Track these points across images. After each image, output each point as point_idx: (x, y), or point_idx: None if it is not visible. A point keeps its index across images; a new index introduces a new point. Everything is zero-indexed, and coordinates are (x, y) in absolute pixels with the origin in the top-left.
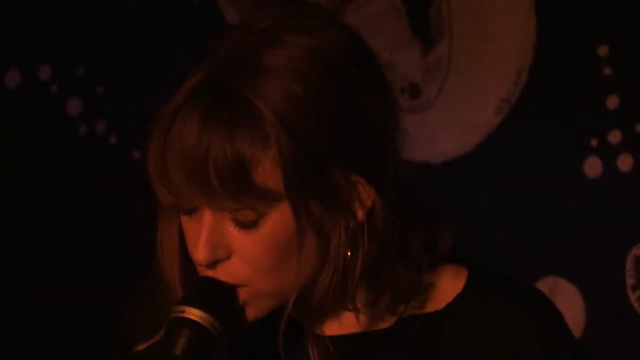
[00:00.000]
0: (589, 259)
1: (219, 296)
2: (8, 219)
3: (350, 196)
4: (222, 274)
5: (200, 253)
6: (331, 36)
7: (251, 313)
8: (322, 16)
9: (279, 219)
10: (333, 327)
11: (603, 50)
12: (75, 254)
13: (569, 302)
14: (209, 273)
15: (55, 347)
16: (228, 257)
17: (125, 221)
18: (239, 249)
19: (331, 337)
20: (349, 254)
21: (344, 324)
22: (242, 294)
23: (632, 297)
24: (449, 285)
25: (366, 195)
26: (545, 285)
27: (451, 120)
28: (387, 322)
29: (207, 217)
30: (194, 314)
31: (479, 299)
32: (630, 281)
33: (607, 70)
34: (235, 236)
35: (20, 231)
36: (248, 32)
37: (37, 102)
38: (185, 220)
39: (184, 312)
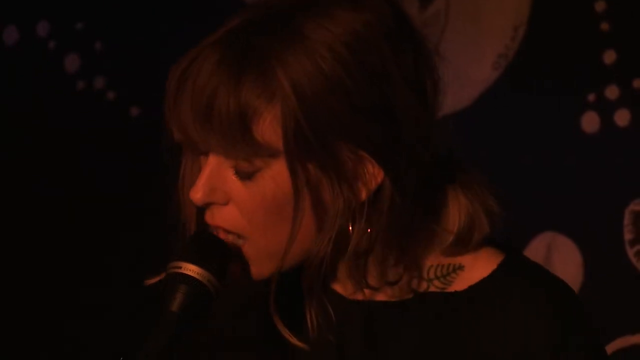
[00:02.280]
0: (587, 215)
1: (217, 252)
2: (6, 174)
3: (356, 173)
4: (219, 219)
5: (197, 192)
6: (378, 17)
7: (254, 271)
8: None
9: (272, 177)
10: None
11: (600, 6)
12: (74, 209)
13: (567, 257)
14: (207, 216)
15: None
16: (225, 203)
17: (122, 176)
18: (236, 197)
19: (335, 298)
20: (350, 229)
21: (355, 292)
22: (243, 249)
23: (630, 252)
24: (478, 269)
25: (373, 176)
26: (543, 240)
27: (449, 75)
28: (405, 296)
29: (211, 160)
30: (190, 269)
31: (503, 284)
32: (628, 236)
33: (605, 26)
34: (234, 184)
35: (18, 187)
36: None
37: (35, 59)
38: (203, 160)
39: (180, 267)
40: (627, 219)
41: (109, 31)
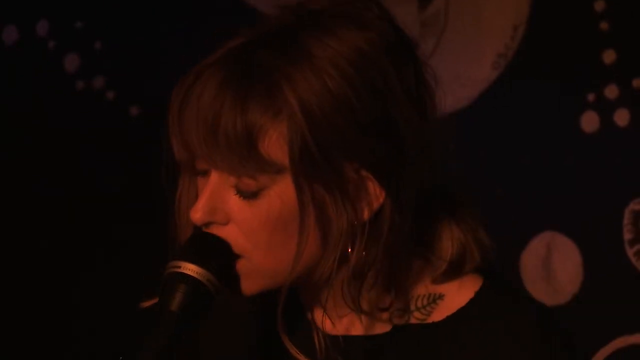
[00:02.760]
0: (586, 214)
1: (217, 252)
2: (6, 174)
3: (359, 192)
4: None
5: (197, 212)
6: (379, 34)
7: (245, 286)
8: (374, 9)
9: (278, 195)
10: (335, 325)
11: (600, 5)
12: (74, 209)
13: (566, 257)
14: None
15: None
16: (225, 223)
17: (122, 175)
18: (237, 218)
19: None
20: (349, 249)
21: (342, 324)
22: (239, 265)
23: (630, 252)
24: (457, 298)
25: (375, 196)
26: (543, 240)
27: (448, 75)
28: (383, 328)
29: (213, 179)
30: (190, 269)
31: (478, 316)
32: (627, 236)
33: (604, 25)
34: (235, 204)
35: (17, 187)
36: (298, 10)
37: (35, 58)
38: (200, 180)
39: (180, 267)
40: (626, 219)
41: (109, 31)
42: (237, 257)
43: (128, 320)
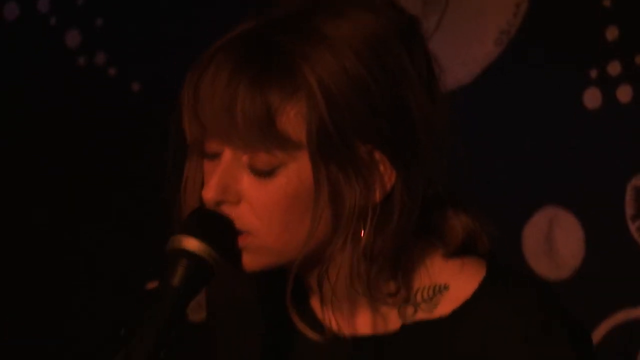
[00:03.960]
0: (589, 190)
1: (219, 227)
2: (5, 151)
3: (371, 173)
4: (228, 213)
5: (209, 191)
6: (391, 18)
7: (247, 262)
8: None
9: (295, 172)
10: (341, 324)
11: None
12: (74, 185)
13: (568, 232)
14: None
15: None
16: (237, 203)
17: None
18: (250, 197)
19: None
20: (361, 230)
21: (350, 322)
22: (245, 240)
23: (632, 227)
24: (462, 288)
25: (387, 177)
26: (544, 216)
27: (450, 53)
28: (393, 326)
29: (225, 158)
30: (191, 244)
31: (487, 307)
32: (630, 211)
33: (607, 2)
34: (249, 183)
35: (17, 164)
36: None
37: (36, 35)
38: (207, 164)
39: (181, 242)
40: (628, 194)
41: (110, 7)
42: (241, 232)
43: (133, 300)
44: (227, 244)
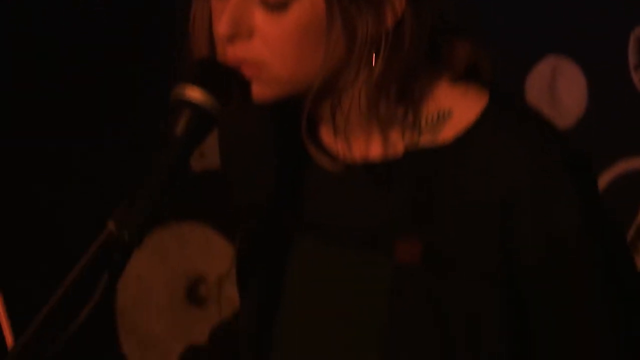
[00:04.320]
0: (592, 39)
1: (222, 75)
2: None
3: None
4: (240, 50)
5: (221, 25)
6: None
7: (258, 92)
8: None
9: (308, 4)
10: (351, 149)
11: None
12: (77, 96)
13: (572, 81)
14: (229, 51)
15: None
16: (249, 36)
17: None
18: (263, 31)
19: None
20: (373, 57)
21: (362, 150)
22: (254, 70)
23: (635, 77)
24: (464, 114)
25: (398, 2)
26: (547, 64)
27: None
28: (396, 151)
29: None
30: (195, 94)
31: (488, 133)
32: (633, 61)
33: None
34: (261, 17)
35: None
36: None
37: None
38: (215, 3)
39: (184, 92)
40: (632, 44)
41: None
42: (252, 69)
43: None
44: (231, 92)
